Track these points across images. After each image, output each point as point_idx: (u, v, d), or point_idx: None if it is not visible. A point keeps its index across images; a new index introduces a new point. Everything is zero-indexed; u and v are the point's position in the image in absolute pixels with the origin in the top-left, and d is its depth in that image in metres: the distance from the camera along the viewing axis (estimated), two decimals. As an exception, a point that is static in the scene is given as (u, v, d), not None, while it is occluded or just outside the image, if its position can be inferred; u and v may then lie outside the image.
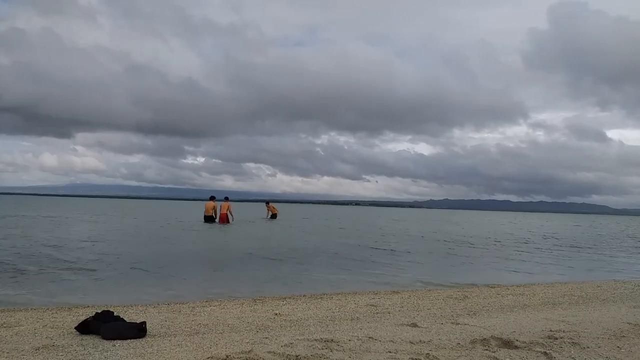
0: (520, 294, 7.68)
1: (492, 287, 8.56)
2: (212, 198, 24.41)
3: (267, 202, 32.86)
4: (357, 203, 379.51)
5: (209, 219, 23.47)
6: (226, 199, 24.61)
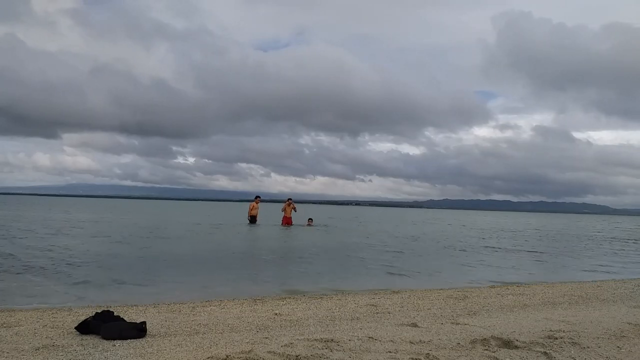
0: (520, 294, 7.68)
1: (492, 287, 8.56)
2: (258, 198, 24.26)
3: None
4: (358, 203, 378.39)
5: (254, 219, 23.52)
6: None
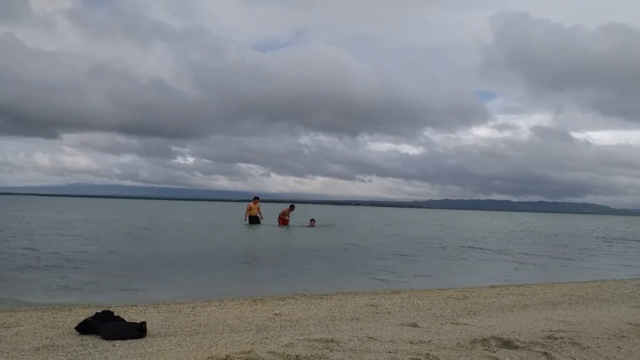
0: (520, 294, 7.68)
1: (492, 287, 8.56)
2: (256, 199, 23.78)
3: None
4: (358, 203, 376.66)
5: (253, 219, 23.11)
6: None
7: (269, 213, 24.58)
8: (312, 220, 24.64)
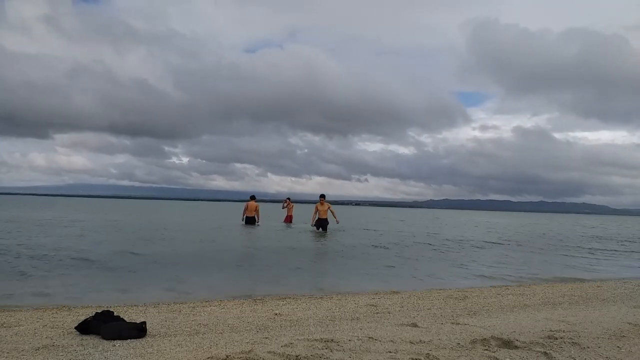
0: (520, 294, 7.68)
1: (492, 287, 8.57)
2: (253, 198, 23.28)
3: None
4: (358, 203, 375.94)
5: (250, 220, 22.70)
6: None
7: (271, 213, 24.51)
8: (322, 196, 20.34)
